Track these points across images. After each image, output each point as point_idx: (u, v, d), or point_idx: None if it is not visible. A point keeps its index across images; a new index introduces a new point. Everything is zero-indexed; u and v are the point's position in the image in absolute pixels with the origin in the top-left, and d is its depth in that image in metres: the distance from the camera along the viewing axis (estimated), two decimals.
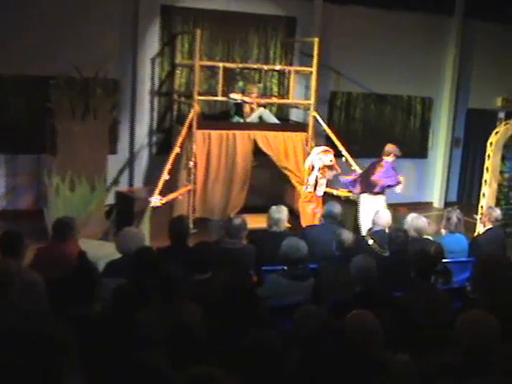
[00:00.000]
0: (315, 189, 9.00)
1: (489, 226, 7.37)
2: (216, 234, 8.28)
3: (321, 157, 8.96)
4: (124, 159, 10.50)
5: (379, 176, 8.82)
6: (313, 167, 8.99)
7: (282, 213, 6.65)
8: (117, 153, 10.33)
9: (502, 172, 9.70)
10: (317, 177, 8.97)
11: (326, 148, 9.19)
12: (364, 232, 7.99)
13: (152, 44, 10.35)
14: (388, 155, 8.91)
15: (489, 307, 4.07)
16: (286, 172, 9.73)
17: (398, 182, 8.92)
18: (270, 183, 10.20)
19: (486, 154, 9.67)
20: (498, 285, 4.80)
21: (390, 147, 8.99)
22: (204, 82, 10.54)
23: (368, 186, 8.86)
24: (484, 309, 3.87)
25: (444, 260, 6.02)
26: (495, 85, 12.76)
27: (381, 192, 8.86)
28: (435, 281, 5.62)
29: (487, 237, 7.20)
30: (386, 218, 6.93)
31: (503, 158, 9.72)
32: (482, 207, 9.33)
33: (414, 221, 6.69)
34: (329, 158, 8.98)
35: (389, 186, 8.94)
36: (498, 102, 12.90)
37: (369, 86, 12.01)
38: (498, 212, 7.42)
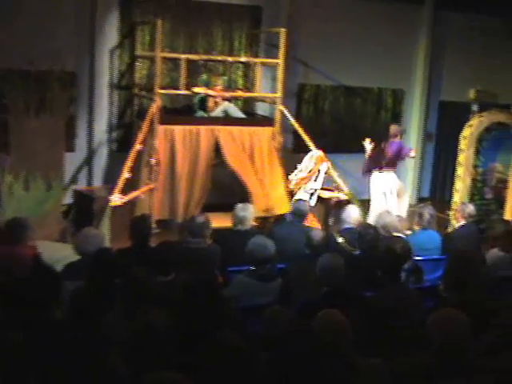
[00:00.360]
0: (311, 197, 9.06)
1: (462, 222, 7.49)
2: (179, 234, 8.28)
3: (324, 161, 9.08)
4: (82, 156, 10.42)
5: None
6: (318, 172, 9.02)
7: (247, 211, 6.68)
8: (75, 150, 10.23)
9: (475, 166, 9.84)
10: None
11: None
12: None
13: (111, 35, 10.27)
14: (395, 137, 9.19)
15: (460, 305, 4.14)
16: (243, 173, 9.69)
17: (410, 149, 9.71)
18: (237, 180, 10.20)
19: (460, 148, 9.81)
20: (471, 282, 4.89)
21: (393, 129, 9.34)
22: (166, 75, 10.48)
23: (377, 161, 9.24)
24: (455, 307, 3.94)
25: (415, 258, 6.09)
26: (468, 76, 12.91)
27: (391, 165, 9.32)
28: (406, 280, 5.69)
29: (460, 233, 7.31)
30: (355, 215, 7.00)
31: (477, 152, 9.84)
32: (455, 203, 9.46)
33: (382, 217, 6.77)
34: (327, 165, 9.11)
35: (399, 156, 9.53)
36: (471, 94, 13.07)
37: (338, 78, 12.08)
38: (471, 208, 7.54)
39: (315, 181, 9.02)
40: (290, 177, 9.32)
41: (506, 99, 13.30)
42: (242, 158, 9.63)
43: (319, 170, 9.02)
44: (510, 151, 10.04)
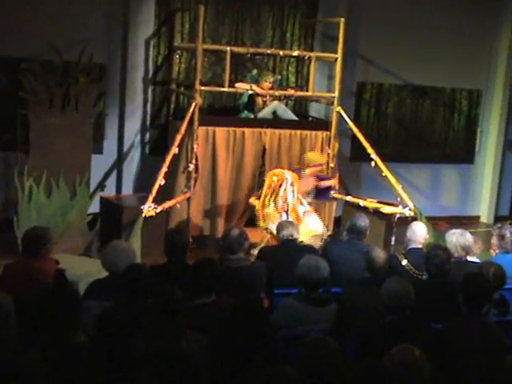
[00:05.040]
0: None
1: None
2: (218, 251, 8.32)
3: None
4: (111, 160, 10.54)
5: None
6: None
7: (293, 224, 6.77)
8: (103, 152, 10.37)
9: None
10: None
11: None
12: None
13: (146, 23, 10.35)
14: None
15: None
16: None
17: None
18: None
19: None
20: None
21: None
22: (208, 70, 10.60)
23: None
24: None
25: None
26: None
27: None
28: (488, 311, 5.60)
29: None
30: (423, 234, 6.94)
31: None
32: None
33: (460, 238, 6.68)
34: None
35: None
36: None
37: (404, 76, 12.05)
38: None
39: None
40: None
41: None
42: (281, 168, 9.66)
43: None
44: None
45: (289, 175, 8.61)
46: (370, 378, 3.60)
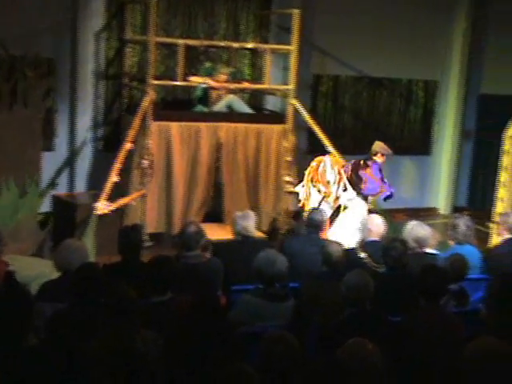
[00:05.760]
0: None
1: (506, 235, 7.45)
2: (175, 248, 8.31)
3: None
4: (62, 157, 10.45)
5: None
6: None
7: (249, 219, 6.77)
8: (54, 149, 10.28)
9: None
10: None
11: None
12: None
13: (96, 15, 10.26)
14: (375, 154, 9.10)
15: (504, 334, 4.13)
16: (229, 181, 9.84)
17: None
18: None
19: (503, 149, 9.78)
20: None
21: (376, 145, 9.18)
22: (161, 63, 10.54)
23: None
24: (499, 336, 3.92)
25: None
26: None
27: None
28: (447, 302, 5.67)
29: (504, 249, 7.27)
30: (380, 226, 7.00)
31: None
32: (497, 213, 9.42)
33: (415, 229, 6.76)
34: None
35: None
36: None
37: (360, 67, 12.11)
38: None
39: (345, 190, 8.91)
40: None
41: None
42: (237, 162, 9.69)
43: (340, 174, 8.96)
44: None
45: (328, 158, 8.87)
46: (329, 373, 3.62)
